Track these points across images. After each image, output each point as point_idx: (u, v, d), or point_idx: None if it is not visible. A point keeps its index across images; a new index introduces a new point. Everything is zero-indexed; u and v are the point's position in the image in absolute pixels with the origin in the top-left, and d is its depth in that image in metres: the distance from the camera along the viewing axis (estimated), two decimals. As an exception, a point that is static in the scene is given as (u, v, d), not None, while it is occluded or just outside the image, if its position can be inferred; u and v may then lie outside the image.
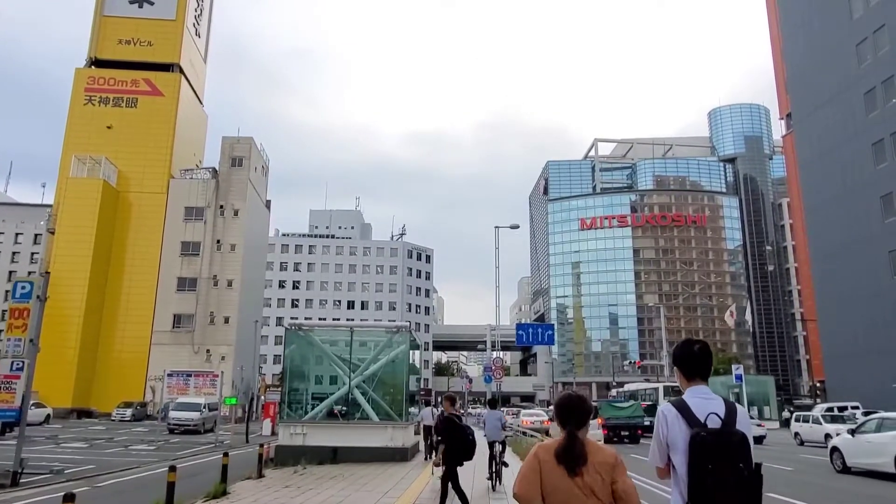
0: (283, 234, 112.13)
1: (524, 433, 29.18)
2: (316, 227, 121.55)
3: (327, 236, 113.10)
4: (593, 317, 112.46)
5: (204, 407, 32.13)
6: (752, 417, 32.81)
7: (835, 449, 17.19)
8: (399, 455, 16.48)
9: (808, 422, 28.91)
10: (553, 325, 33.77)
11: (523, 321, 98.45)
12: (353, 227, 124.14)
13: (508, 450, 15.48)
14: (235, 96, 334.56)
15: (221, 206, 55.57)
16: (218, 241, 55.10)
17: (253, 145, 58.58)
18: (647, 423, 28.93)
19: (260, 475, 13.46)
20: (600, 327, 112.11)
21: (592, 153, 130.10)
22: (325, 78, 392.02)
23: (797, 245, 64.91)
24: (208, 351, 54.03)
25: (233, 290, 55.67)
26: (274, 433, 26.26)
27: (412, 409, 23.30)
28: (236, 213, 55.67)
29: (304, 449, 16.12)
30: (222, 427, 34.15)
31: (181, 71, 61.09)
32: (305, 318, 73.03)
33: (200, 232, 54.84)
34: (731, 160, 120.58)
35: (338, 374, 18.53)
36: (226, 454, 12.32)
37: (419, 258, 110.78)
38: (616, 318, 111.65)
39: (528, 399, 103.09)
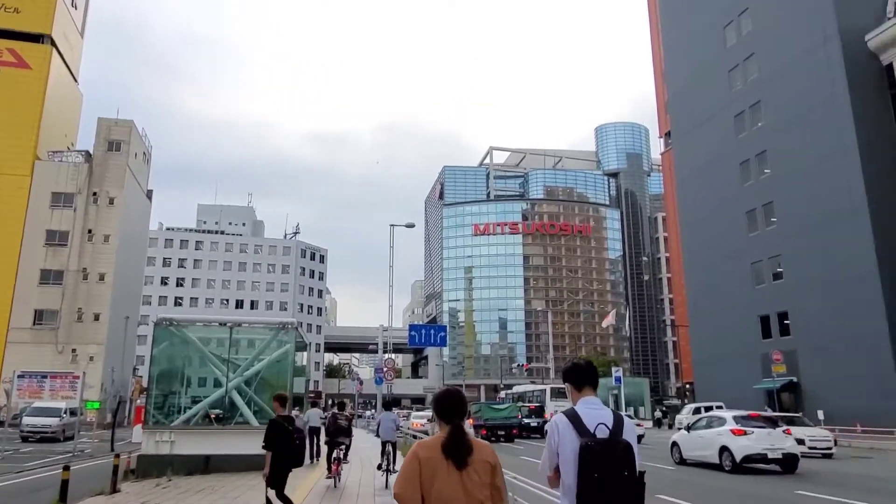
0: (168, 228, 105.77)
1: (414, 436, 29.11)
2: (204, 223, 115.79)
3: (216, 232, 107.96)
4: (484, 320, 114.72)
5: (65, 412, 29.39)
6: (630, 417, 34.46)
7: (674, 443, 19.06)
8: (277, 462, 15.68)
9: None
10: (445, 326, 33.83)
11: (416, 323, 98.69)
12: (244, 224, 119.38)
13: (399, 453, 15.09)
14: (120, 80, 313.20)
15: (95, 194, 50.86)
16: (90, 231, 50.33)
17: (134, 129, 54.04)
18: (532, 423, 31.41)
19: (114, 490, 11.84)
20: (490, 331, 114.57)
21: (487, 161, 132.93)
22: (224, 69, 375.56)
23: (671, 256, 69.34)
24: (74, 351, 49.57)
25: (105, 284, 51.34)
26: (147, 440, 24.38)
27: (296, 412, 22.41)
28: (112, 202, 51.11)
29: (171, 458, 14.78)
30: (86, 434, 31.41)
31: (53, 43, 55.65)
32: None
33: (69, 220, 49.90)
34: (615, 174, 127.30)
35: (216, 374, 17.37)
36: (66, 468, 10.67)
37: (313, 258, 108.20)
38: (505, 322, 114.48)
39: (418, 401, 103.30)
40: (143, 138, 58.17)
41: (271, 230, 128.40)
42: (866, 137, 34.67)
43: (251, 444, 16.06)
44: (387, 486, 12.67)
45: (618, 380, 41.41)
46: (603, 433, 2.98)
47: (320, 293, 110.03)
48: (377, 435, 17.53)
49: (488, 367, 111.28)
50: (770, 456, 15.96)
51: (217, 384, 17.86)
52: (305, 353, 22.95)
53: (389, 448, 14.03)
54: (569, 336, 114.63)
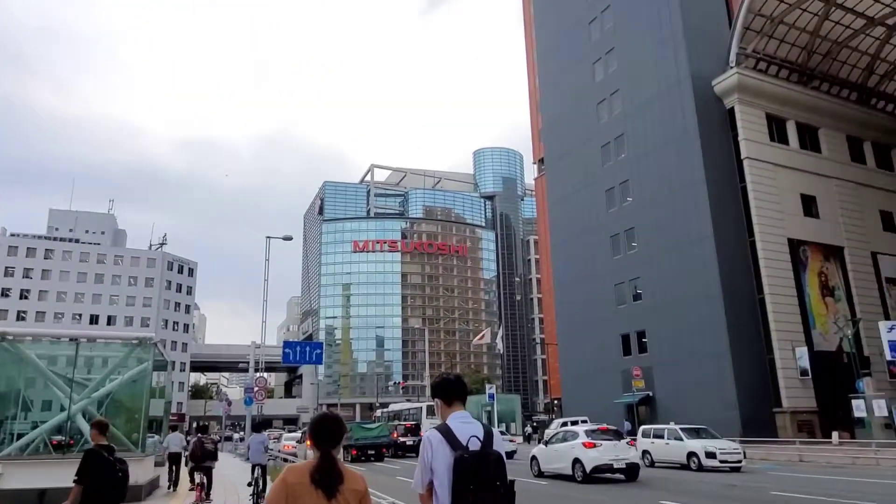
0: (13, 235, 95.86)
1: (285, 459, 27.98)
2: (57, 230, 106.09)
3: (70, 240, 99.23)
4: (361, 338, 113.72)
5: None
6: (503, 433, 35.47)
7: (534, 457, 20.13)
8: (131, 495, 14.50)
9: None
10: (321, 343, 33.19)
11: (291, 340, 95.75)
12: (103, 233, 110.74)
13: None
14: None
15: None
16: None
17: None
18: (408, 442, 31.96)
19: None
20: (367, 349, 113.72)
21: (368, 178, 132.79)
22: (84, 65, 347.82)
23: (542, 278, 72.68)
24: None
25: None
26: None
27: (153, 437, 20.79)
28: None
29: (-1, 494, 13.24)
30: None
31: None
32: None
33: None
34: (491, 197, 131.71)
35: (59, 397, 15.82)
36: None
37: (181, 271, 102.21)
38: (382, 340, 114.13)
39: (291, 422, 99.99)
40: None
41: (136, 241, 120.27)
42: (712, 173, 38.37)
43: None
44: None
45: (491, 397, 42.54)
46: (475, 445, 3.08)
47: (188, 308, 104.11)
48: (247, 459, 17.32)
49: (364, 385, 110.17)
50: (615, 466, 17.34)
51: (54, 407, 16.43)
52: (165, 373, 21.53)
53: (259, 471, 13.97)
54: (444, 354, 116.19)
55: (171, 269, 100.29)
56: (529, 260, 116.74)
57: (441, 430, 3.19)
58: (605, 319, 44.84)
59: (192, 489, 14.69)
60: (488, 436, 3.17)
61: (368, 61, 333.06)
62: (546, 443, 20.25)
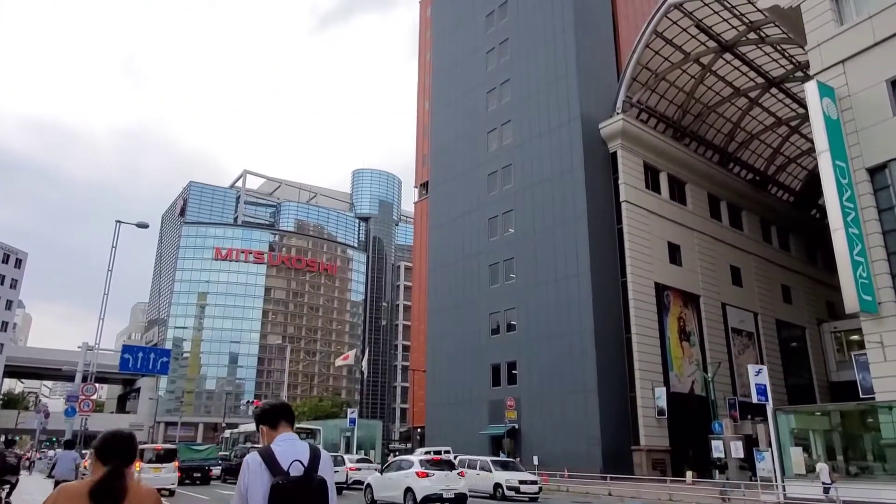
0: None
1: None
2: None
3: None
4: (212, 352, 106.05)
5: None
6: (366, 460, 33.32)
7: (368, 485, 20.27)
8: None
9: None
10: (169, 350, 29.67)
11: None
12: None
13: None
14: None
15: None
16: None
17: None
18: (220, 465, 32.95)
19: None
20: (218, 364, 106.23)
21: (240, 184, 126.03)
22: None
23: (413, 304, 71.71)
24: None
25: None
26: None
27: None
28: None
29: None
30: None
31: None
32: None
33: None
34: (366, 219, 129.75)
35: None
36: None
37: (6, 261, 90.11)
38: (236, 356, 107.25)
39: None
40: None
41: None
42: (593, 210, 39.43)
43: None
44: None
45: (352, 421, 40.25)
46: (297, 470, 2.92)
47: (10, 304, 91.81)
48: (50, 475, 16.72)
49: (211, 403, 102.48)
50: (445, 496, 17.92)
51: None
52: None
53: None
54: (302, 375, 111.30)
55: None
56: (398, 286, 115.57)
57: (262, 454, 3.02)
58: (478, 348, 44.35)
59: None
60: (314, 459, 3.02)
61: (251, 71, 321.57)
62: (381, 471, 20.55)
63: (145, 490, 2.76)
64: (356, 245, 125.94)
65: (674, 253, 42.94)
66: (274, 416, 3.19)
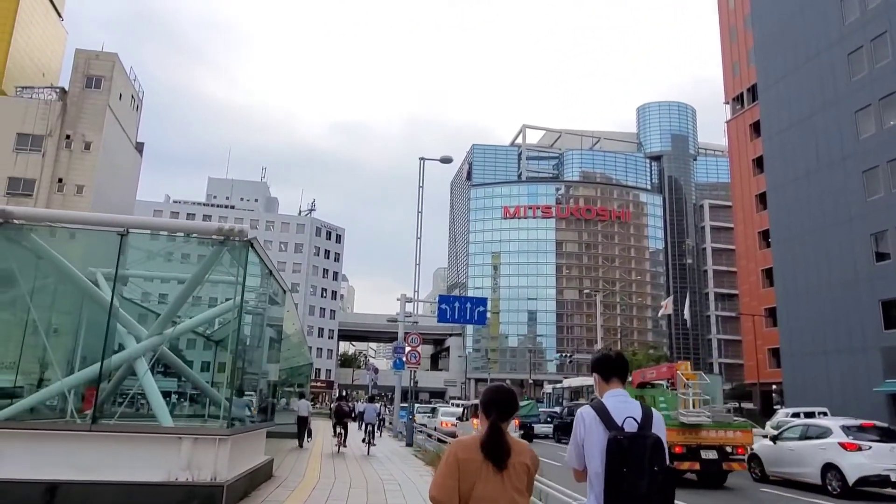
0: (175, 201, 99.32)
1: (441, 440, 21.53)
2: (214, 197, 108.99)
3: (226, 206, 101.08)
4: (511, 310, 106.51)
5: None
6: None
7: (754, 455, 15.73)
8: (198, 500, 7.80)
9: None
10: (485, 299, 26.21)
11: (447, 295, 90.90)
12: (256, 200, 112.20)
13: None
14: (136, 61, 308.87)
15: (68, 136, 42.82)
16: (60, 181, 42.38)
17: (118, 63, 45.25)
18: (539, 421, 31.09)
19: None
20: (518, 321, 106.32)
21: (519, 140, 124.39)
22: (245, 56, 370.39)
23: (737, 241, 60.71)
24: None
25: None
26: None
27: (273, 402, 14.32)
28: (87, 147, 42.74)
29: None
30: None
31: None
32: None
33: (36, 166, 41.97)
34: (657, 158, 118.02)
35: (121, 323, 9.35)
36: None
37: (329, 237, 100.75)
38: (535, 314, 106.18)
39: (438, 395, 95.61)
40: (131, 81, 49.95)
41: (285, 209, 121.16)
42: None
43: (147, 460, 8.35)
44: (368, 453, 17.56)
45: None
46: (631, 427, 2.87)
47: (336, 275, 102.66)
48: (360, 422, 22.69)
49: (515, 361, 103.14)
50: (893, 478, 12.58)
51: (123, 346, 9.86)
52: (285, 310, 14.76)
53: (371, 427, 18.41)
54: (603, 329, 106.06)
55: (320, 235, 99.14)
56: (703, 227, 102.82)
57: (596, 408, 2.95)
58: (855, 280, 33.61)
59: (334, 437, 18.77)
60: (647, 417, 2.90)
61: (519, 19, 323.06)
62: (774, 439, 15.62)
63: (523, 444, 2.81)
64: (649, 188, 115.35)
65: None
66: (608, 367, 3.08)
